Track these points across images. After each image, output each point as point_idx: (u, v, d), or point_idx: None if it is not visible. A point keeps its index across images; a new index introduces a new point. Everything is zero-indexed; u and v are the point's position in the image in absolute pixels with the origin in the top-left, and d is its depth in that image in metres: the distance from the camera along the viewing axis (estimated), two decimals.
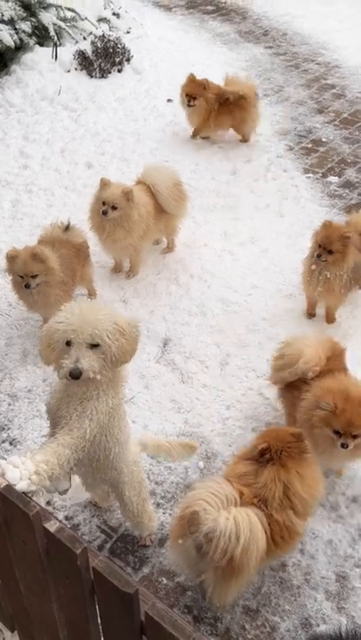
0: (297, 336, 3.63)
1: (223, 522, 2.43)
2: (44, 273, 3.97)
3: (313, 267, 4.17)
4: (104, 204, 4.40)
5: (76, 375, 2.29)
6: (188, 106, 6.30)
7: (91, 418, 2.36)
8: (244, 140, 6.66)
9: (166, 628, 1.56)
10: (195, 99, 6.21)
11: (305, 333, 3.88)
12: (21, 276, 3.96)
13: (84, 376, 2.31)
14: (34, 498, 2.06)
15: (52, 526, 1.79)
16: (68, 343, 2.33)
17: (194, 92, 6.22)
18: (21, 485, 2.08)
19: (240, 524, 2.44)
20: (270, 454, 2.73)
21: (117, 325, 2.38)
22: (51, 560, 1.90)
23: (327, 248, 4.06)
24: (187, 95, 6.26)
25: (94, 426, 2.37)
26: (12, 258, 3.95)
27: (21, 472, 2.11)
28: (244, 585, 2.77)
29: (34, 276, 3.95)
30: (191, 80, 6.25)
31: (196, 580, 2.88)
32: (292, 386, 3.39)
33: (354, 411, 2.99)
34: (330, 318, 4.42)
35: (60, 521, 1.88)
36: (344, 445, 3.03)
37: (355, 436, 3.03)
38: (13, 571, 2.18)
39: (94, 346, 2.33)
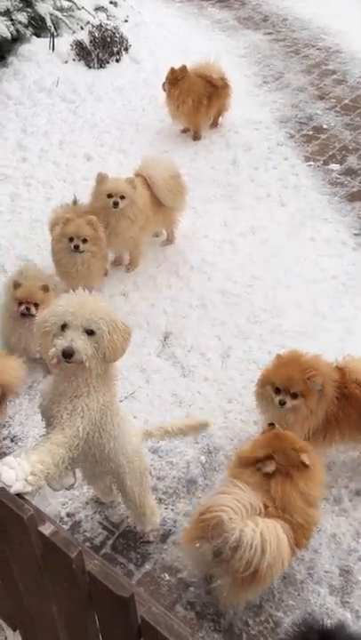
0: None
1: (250, 534, 2.37)
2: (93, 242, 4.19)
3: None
4: (110, 196, 4.36)
5: (69, 353, 2.24)
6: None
7: (82, 415, 2.34)
8: (217, 123, 6.63)
9: (162, 632, 1.54)
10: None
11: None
12: (71, 239, 4.13)
13: (77, 357, 2.26)
14: (29, 498, 2.03)
15: (46, 529, 1.77)
16: (64, 327, 2.31)
17: (175, 78, 6.21)
18: (17, 486, 2.05)
19: (267, 537, 2.39)
20: (275, 465, 2.70)
21: (113, 320, 2.36)
22: (47, 563, 1.87)
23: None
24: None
25: (87, 423, 2.35)
26: (67, 220, 4.15)
27: (17, 473, 2.08)
28: (260, 592, 2.76)
29: (84, 241, 4.15)
30: (182, 69, 6.21)
31: (208, 584, 2.84)
32: None
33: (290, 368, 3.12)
34: None
35: (56, 522, 1.86)
36: (281, 402, 3.12)
37: (293, 395, 3.10)
38: (12, 572, 2.16)
39: (89, 333, 2.30)
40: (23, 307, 3.79)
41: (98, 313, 2.32)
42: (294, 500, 2.64)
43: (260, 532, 2.39)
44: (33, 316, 3.67)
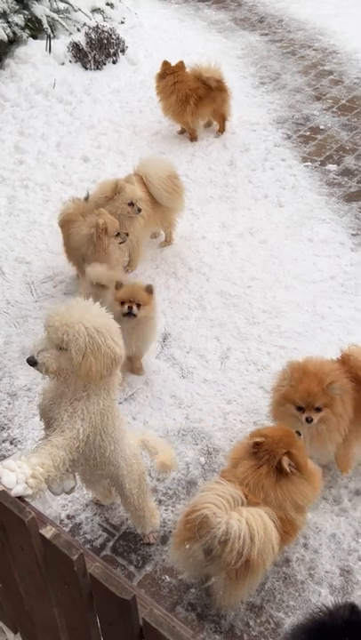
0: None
1: (236, 524, 2.38)
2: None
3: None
4: (132, 204, 4.42)
5: (31, 362, 2.33)
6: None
7: (82, 418, 2.34)
8: (222, 129, 6.53)
9: (164, 634, 1.54)
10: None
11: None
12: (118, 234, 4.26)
13: (39, 368, 2.32)
14: (30, 501, 2.03)
15: (47, 532, 1.77)
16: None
17: (164, 72, 6.23)
18: (18, 489, 2.06)
19: (253, 525, 2.40)
20: (260, 452, 2.71)
21: (94, 342, 2.27)
22: (48, 565, 1.87)
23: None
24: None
25: (87, 426, 2.35)
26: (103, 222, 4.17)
27: (17, 476, 2.08)
28: (256, 585, 2.75)
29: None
30: (178, 65, 6.23)
31: (204, 584, 2.84)
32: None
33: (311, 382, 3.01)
34: None
35: (57, 525, 1.86)
36: (308, 420, 3.03)
37: (317, 409, 3.02)
38: (13, 574, 2.16)
39: (61, 348, 2.29)
40: (126, 306, 3.69)
41: (74, 333, 2.25)
42: (272, 495, 2.64)
43: (246, 521, 2.40)
44: (135, 315, 3.67)
